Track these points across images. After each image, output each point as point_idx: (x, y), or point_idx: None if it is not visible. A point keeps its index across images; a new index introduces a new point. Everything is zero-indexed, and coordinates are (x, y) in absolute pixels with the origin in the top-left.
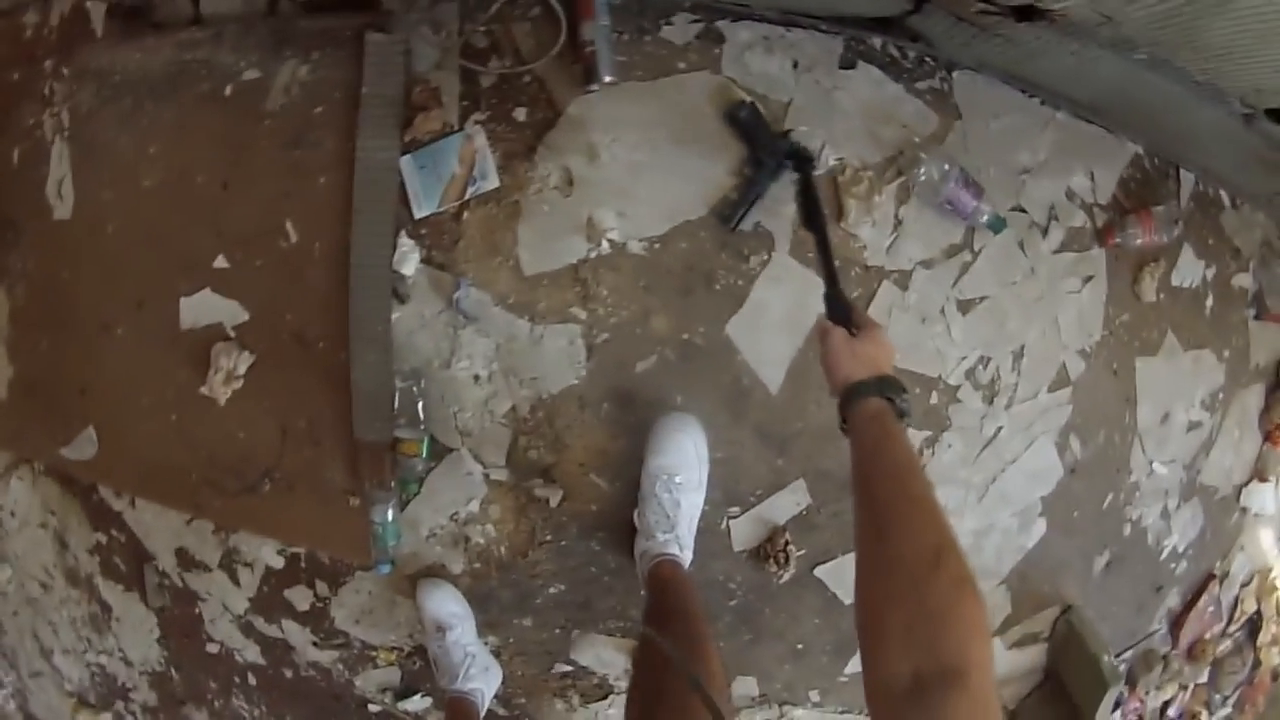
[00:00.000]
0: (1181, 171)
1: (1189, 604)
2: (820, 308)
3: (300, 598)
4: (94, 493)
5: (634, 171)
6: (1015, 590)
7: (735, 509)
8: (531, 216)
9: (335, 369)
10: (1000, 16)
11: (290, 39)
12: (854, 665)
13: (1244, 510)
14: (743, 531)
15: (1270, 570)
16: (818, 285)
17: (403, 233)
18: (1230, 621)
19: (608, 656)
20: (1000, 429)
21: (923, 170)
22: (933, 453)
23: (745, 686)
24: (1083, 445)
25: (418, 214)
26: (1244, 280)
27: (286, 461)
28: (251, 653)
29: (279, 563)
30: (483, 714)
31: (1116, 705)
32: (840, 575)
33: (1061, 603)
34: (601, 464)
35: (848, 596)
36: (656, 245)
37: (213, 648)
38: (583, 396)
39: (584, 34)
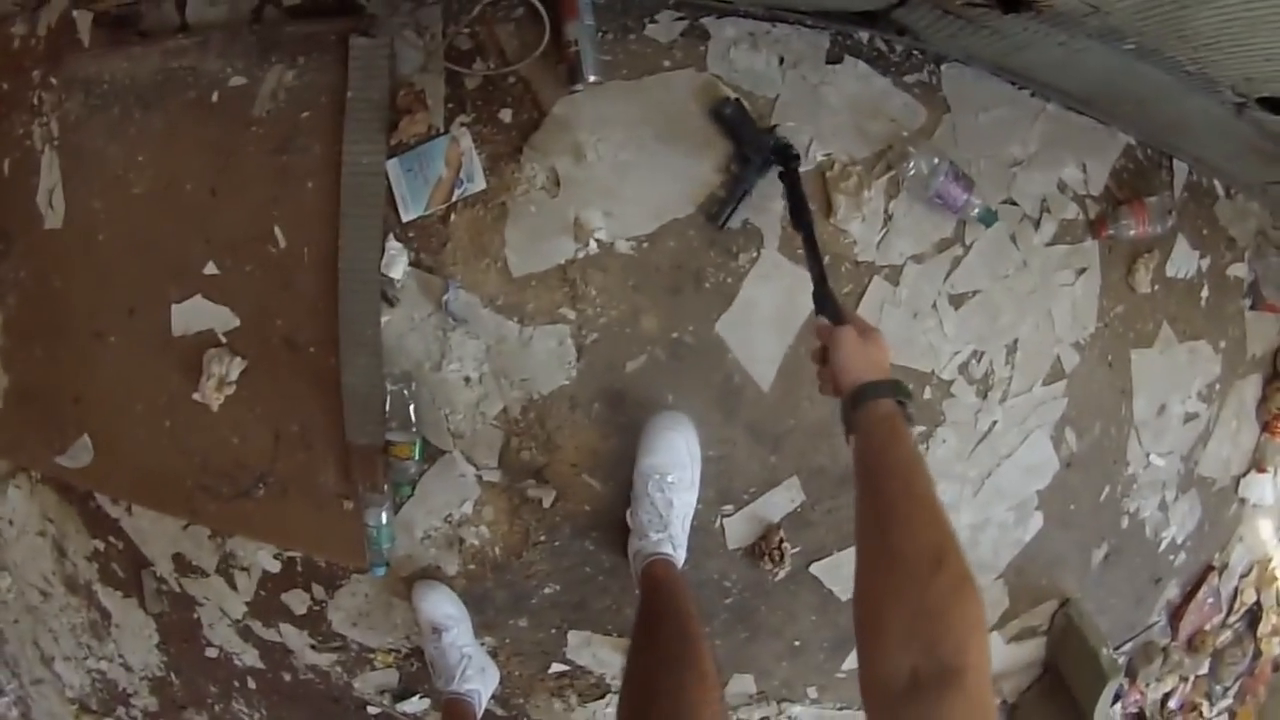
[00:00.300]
0: (1174, 161)
1: (1188, 595)
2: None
3: (297, 601)
4: (91, 500)
5: (621, 171)
6: (1013, 584)
7: (729, 507)
8: (519, 218)
9: (326, 373)
10: (986, 8)
11: (276, 45)
12: (851, 661)
13: (1242, 501)
14: (737, 529)
15: (1269, 560)
16: (808, 282)
17: (391, 236)
18: (1230, 612)
19: (604, 655)
20: (995, 423)
21: (912, 164)
22: (927, 448)
23: (743, 684)
24: (1078, 438)
25: (405, 217)
26: (1239, 270)
27: (280, 466)
28: (250, 656)
29: (275, 567)
30: (480, 715)
31: (1116, 698)
32: (836, 572)
33: (1060, 596)
34: (594, 464)
35: (844, 593)
36: (645, 244)
37: (212, 652)
38: (574, 397)
39: (568, 34)
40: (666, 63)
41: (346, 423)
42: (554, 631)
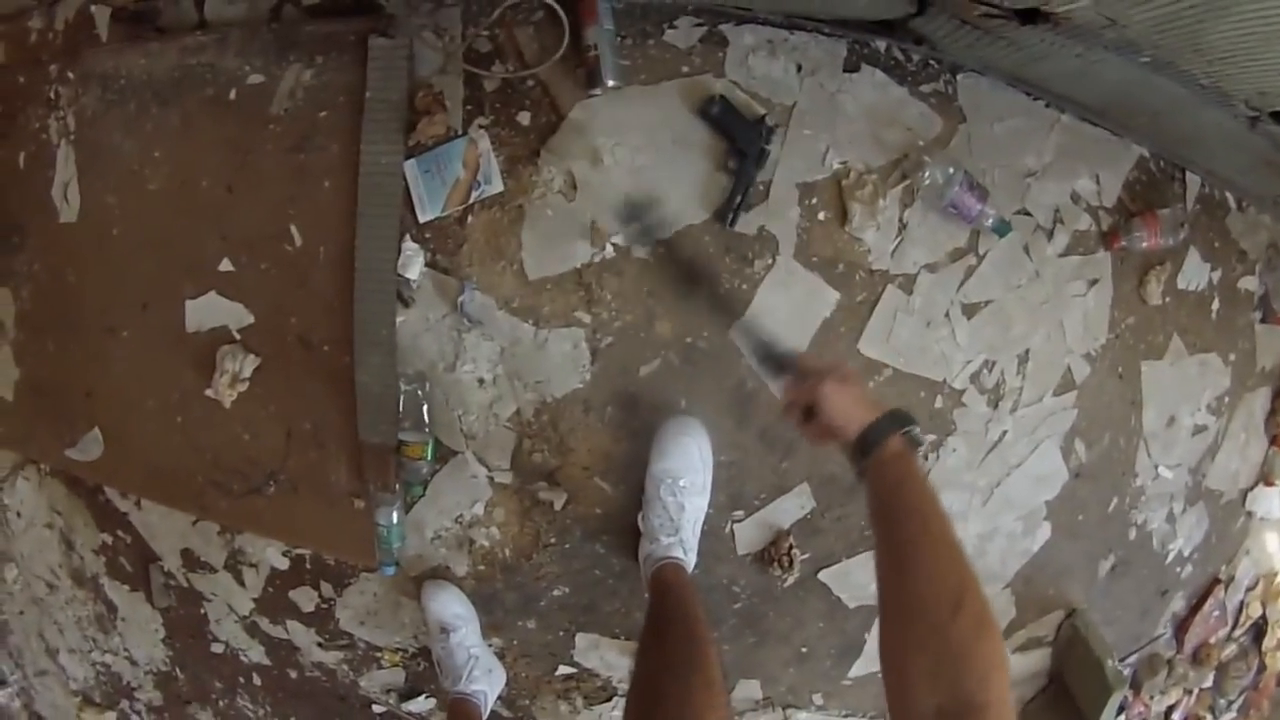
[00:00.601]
0: (1187, 174)
1: (1194, 608)
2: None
3: (305, 599)
4: (100, 494)
5: (637, 175)
6: (1020, 594)
7: (739, 512)
8: (535, 220)
9: (340, 372)
10: (1003, 19)
11: (294, 44)
12: (858, 669)
13: (1249, 514)
14: (747, 535)
15: (1276, 574)
16: (823, 289)
17: (407, 236)
18: (1235, 626)
19: (612, 659)
20: (1005, 433)
21: (927, 174)
22: (937, 457)
23: (749, 690)
24: (1088, 449)
25: (422, 218)
26: (1250, 283)
27: (291, 464)
28: (256, 653)
29: (284, 564)
30: (485, 715)
31: (1121, 710)
32: (844, 579)
33: (1066, 607)
34: (606, 467)
35: (852, 600)
36: (661, 249)
37: (218, 648)
38: (587, 400)
39: (587, 38)
40: (685, 69)
41: (359, 422)
42: (562, 634)
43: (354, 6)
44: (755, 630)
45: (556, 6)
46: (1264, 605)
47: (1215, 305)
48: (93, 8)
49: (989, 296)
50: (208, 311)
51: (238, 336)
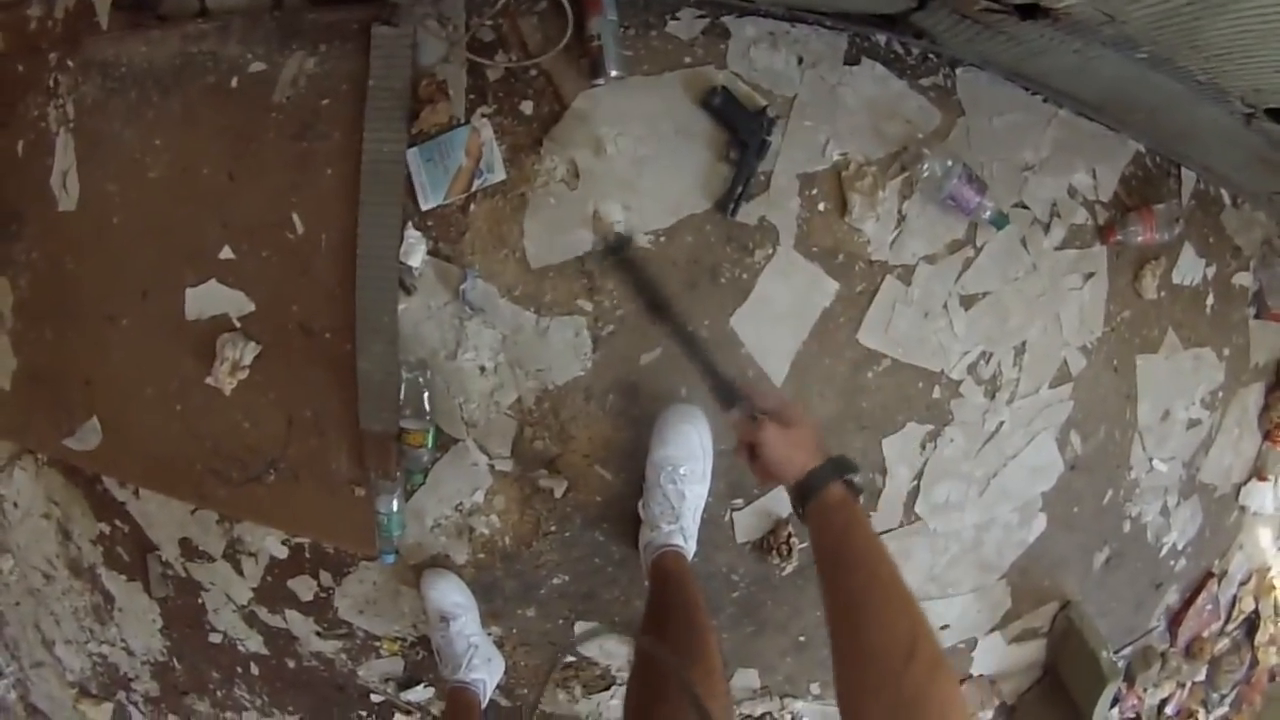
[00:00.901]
0: (1183, 170)
1: (1187, 601)
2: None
3: (304, 588)
4: (98, 483)
5: (640, 165)
6: (1015, 585)
7: (739, 501)
8: (538, 209)
9: (341, 360)
10: (1004, 14)
11: (297, 32)
12: None
13: (1243, 509)
14: (746, 523)
15: (1268, 569)
16: (823, 279)
17: (409, 224)
18: (1228, 620)
19: (611, 648)
20: (1002, 424)
21: (926, 166)
22: (935, 447)
23: (747, 678)
24: (1083, 441)
25: (424, 206)
26: (1244, 279)
27: (292, 452)
28: (254, 643)
29: (283, 553)
30: (484, 704)
31: (1114, 702)
32: None
33: (1061, 598)
34: (606, 455)
35: None
36: (662, 238)
37: (215, 638)
38: (588, 388)
39: (591, 28)
40: (687, 59)
41: (361, 409)
42: (561, 622)
43: None
44: (753, 619)
45: None
46: (1256, 600)
47: (1210, 300)
48: None
49: (986, 288)
50: (208, 299)
51: (238, 324)
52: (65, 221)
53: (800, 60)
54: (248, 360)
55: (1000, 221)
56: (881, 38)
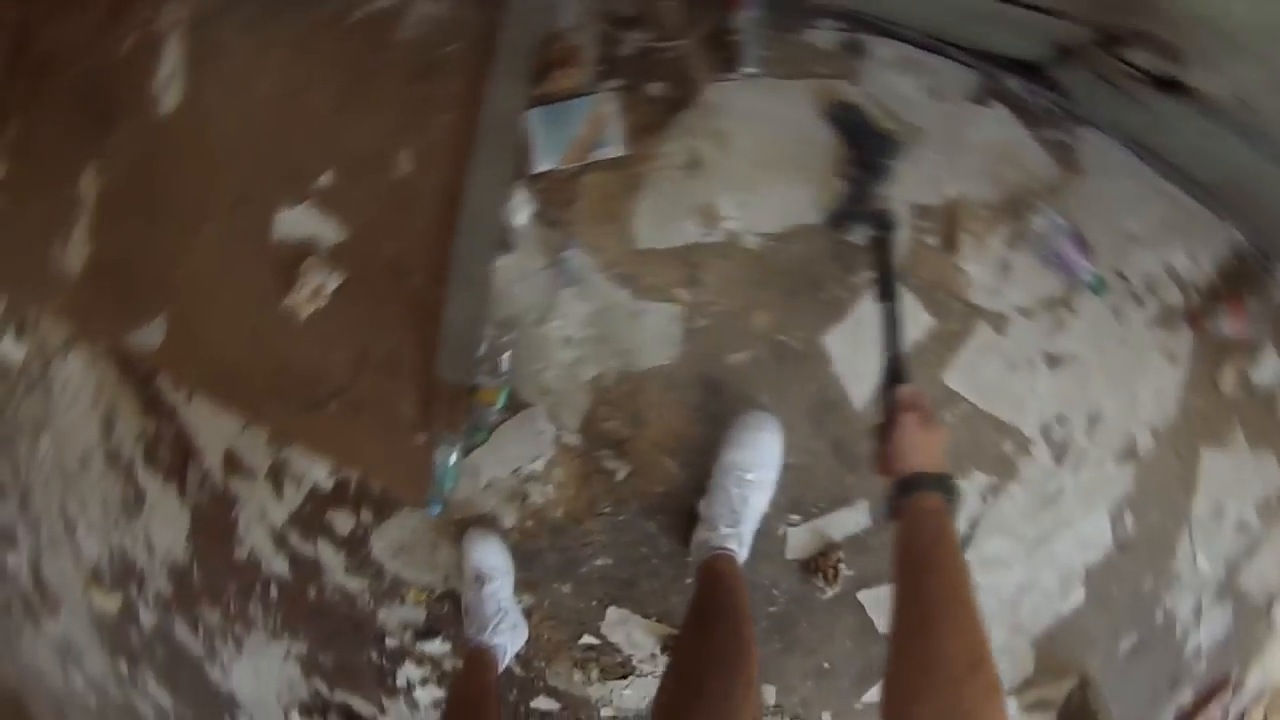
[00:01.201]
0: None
1: (1198, 703)
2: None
3: (342, 522)
4: (152, 382)
5: (761, 166)
6: (1041, 652)
7: (796, 517)
8: (651, 191)
9: (427, 305)
10: (1144, 83)
11: None
12: (872, 695)
13: (1271, 624)
14: (798, 541)
15: None
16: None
17: (520, 183)
18: None
19: (639, 638)
20: (1063, 489)
21: (1038, 220)
22: (995, 500)
23: (764, 694)
24: (1136, 522)
25: (537, 168)
26: None
27: (358, 386)
28: (279, 565)
29: (328, 484)
30: (502, 669)
31: None
32: (881, 603)
33: (1081, 674)
34: (676, 447)
35: (883, 626)
36: (771, 243)
37: (241, 553)
38: (671, 377)
39: (733, 23)
40: (822, 70)
41: (439, 358)
42: (595, 604)
43: None
44: (784, 637)
45: None
46: (1266, 717)
47: None
48: None
49: (1074, 352)
50: (299, 222)
51: (325, 252)
52: (164, 123)
53: (931, 91)
54: (330, 289)
55: (1099, 287)
56: (1012, 83)
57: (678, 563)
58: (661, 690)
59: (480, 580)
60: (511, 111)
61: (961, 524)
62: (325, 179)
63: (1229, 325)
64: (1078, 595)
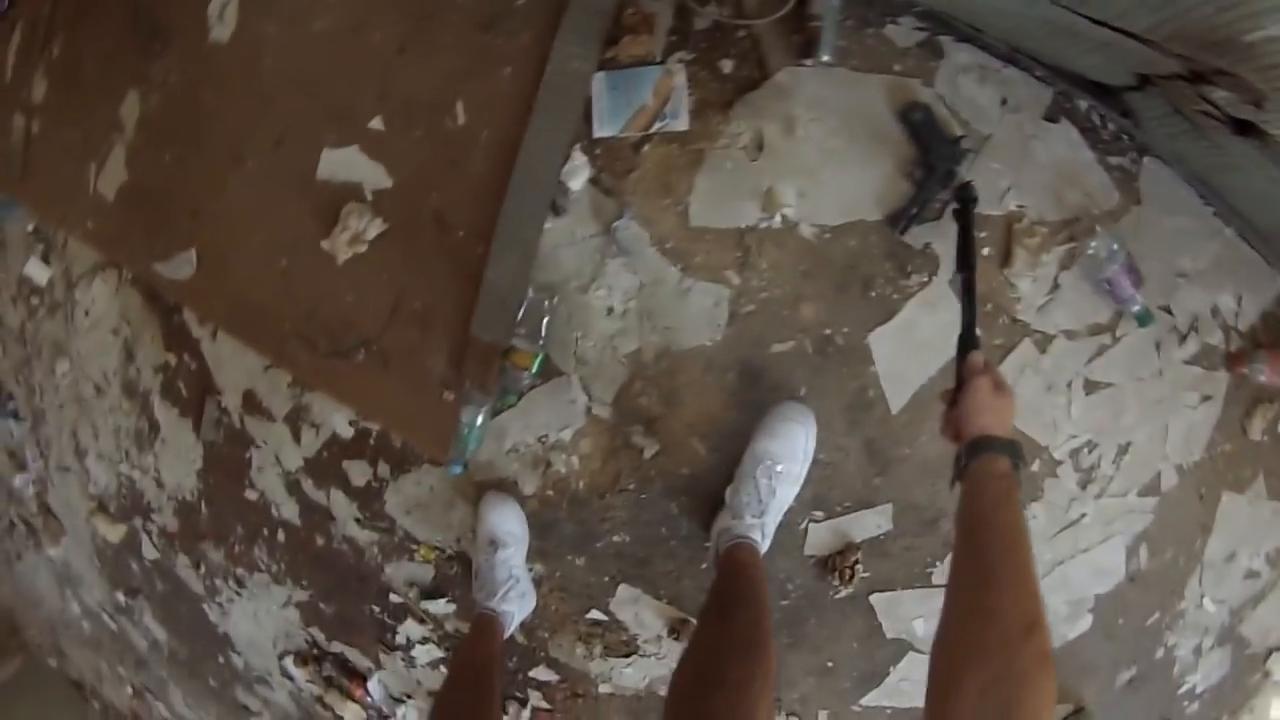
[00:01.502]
0: None
1: None
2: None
3: (358, 473)
4: (176, 314)
5: (826, 156)
6: None
7: (819, 513)
8: (712, 169)
9: (469, 261)
10: (1218, 122)
11: None
12: (871, 698)
13: (1266, 674)
14: (818, 537)
15: None
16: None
17: (578, 147)
18: None
19: (647, 618)
20: (1084, 515)
21: (1094, 244)
22: None
23: None
24: (1150, 557)
25: (598, 133)
26: None
27: (389, 337)
28: (289, 510)
29: (348, 433)
30: (507, 636)
31: None
32: (893, 608)
33: (1077, 703)
34: (708, 431)
35: (891, 631)
36: (827, 235)
37: (252, 495)
38: (711, 360)
39: (813, 8)
40: (897, 67)
41: (476, 316)
42: (607, 579)
43: None
44: (793, 632)
45: None
46: None
47: None
48: None
49: (1111, 380)
50: (345, 164)
51: (369, 197)
52: (213, 52)
53: (1004, 101)
54: (371, 235)
55: (1145, 319)
56: (1083, 104)
57: (695, 546)
58: (678, 675)
59: (494, 545)
60: (578, 72)
61: None
62: (376, 122)
63: (1266, 373)
64: (1085, 623)
